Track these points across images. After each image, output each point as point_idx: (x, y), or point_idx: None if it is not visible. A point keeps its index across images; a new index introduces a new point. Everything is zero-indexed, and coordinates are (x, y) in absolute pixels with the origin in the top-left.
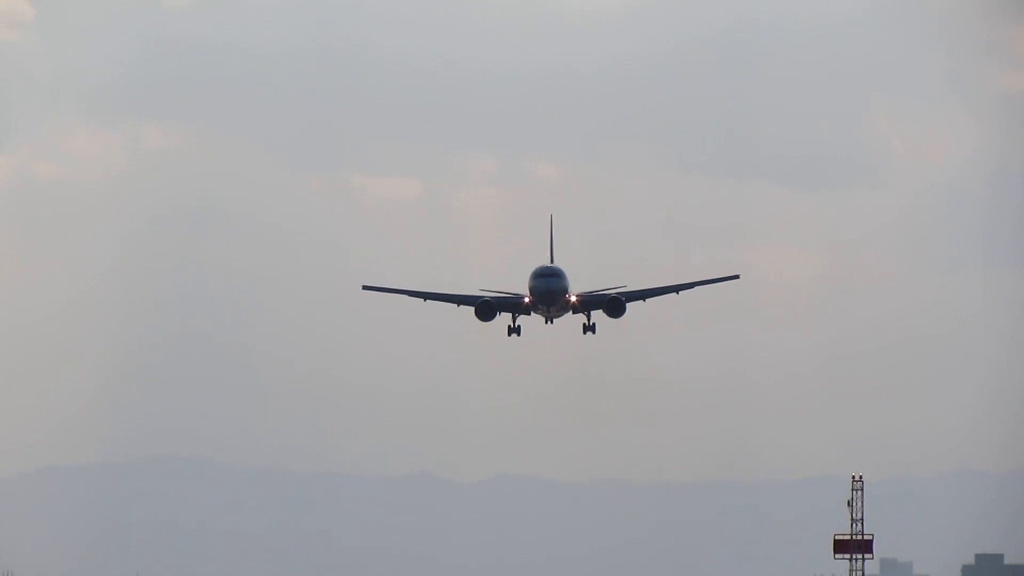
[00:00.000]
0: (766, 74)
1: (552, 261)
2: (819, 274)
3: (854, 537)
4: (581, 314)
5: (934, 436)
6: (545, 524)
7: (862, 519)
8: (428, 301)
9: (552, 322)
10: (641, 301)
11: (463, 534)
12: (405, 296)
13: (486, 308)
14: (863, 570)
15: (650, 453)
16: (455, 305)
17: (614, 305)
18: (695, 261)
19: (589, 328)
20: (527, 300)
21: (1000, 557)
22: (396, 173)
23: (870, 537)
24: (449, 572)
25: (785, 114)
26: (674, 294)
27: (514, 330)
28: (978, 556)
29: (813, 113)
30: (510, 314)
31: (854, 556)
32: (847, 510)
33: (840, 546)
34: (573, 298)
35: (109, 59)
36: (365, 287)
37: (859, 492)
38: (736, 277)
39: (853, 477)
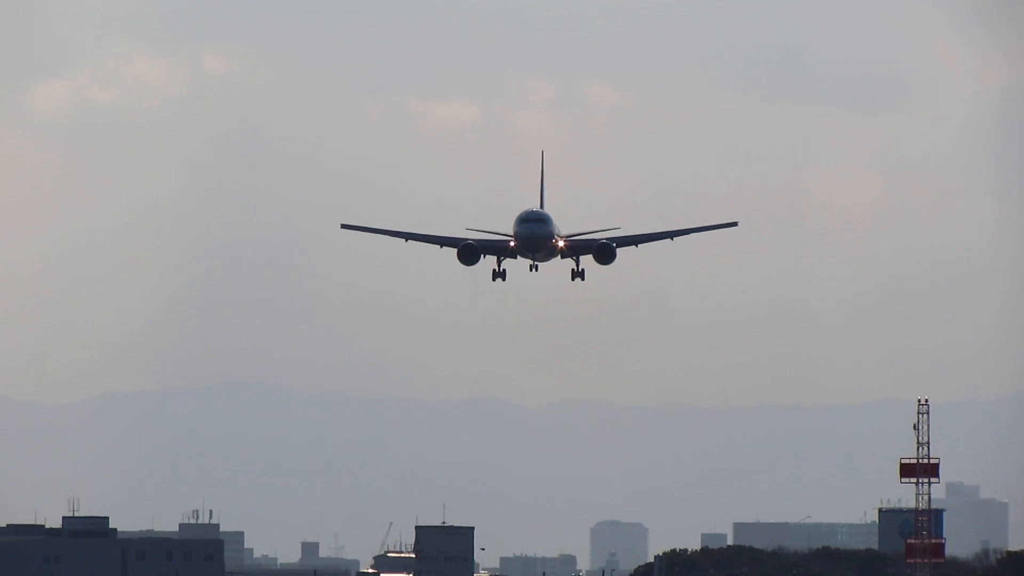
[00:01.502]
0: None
1: (542, 204)
2: (875, 197)
3: (920, 461)
4: (570, 259)
5: (999, 359)
6: (614, 446)
7: (928, 443)
8: (410, 241)
9: (537, 268)
10: (633, 247)
11: (530, 455)
12: (386, 236)
13: (468, 251)
14: (929, 494)
15: (716, 378)
16: (438, 247)
17: (603, 251)
18: (748, 186)
19: (578, 274)
20: (511, 244)
21: None
22: (453, 97)
23: (936, 461)
24: (521, 488)
25: (841, 36)
26: (668, 240)
27: (499, 274)
28: None
29: (870, 36)
30: (495, 257)
31: (920, 480)
32: (913, 434)
33: (906, 470)
34: (560, 243)
35: None
36: (344, 226)
37: (925, 416)
38: (734, 224)
39: (919, 401)
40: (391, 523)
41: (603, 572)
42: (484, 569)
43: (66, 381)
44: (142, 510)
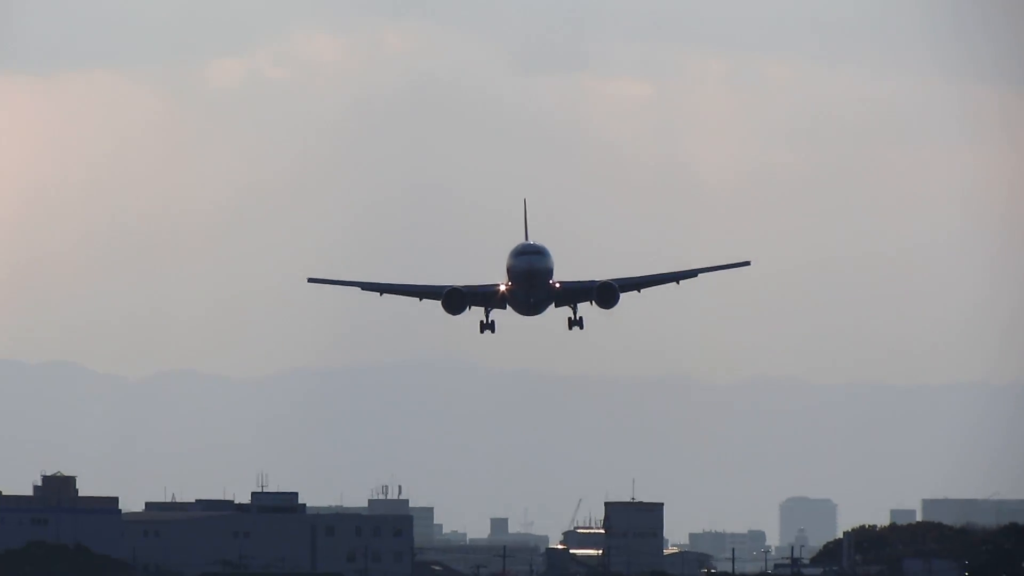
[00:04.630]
0: None
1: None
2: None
3: None
4: (565, 306)
5: None
6: (803, 422)
7: None
8: (384, 295)
9: (530, 316)
10: (636, 292)
11: (720, 431)
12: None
13: (455, 298)
14: None
15: (906, 355)
16: (417, 299)
17: (605, 293)
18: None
19: (576, 323)
20: (503, 288)
21: None
22: (627, 74)
23: None
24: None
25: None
26: (674, 283)
27: (487, 326)
28: None
29: None
30: (482, 308)
31: None
32: None
33: None
34: (557, 284)
35: None
36: (311, 280)
37: None
38: (747, 264)
39: None
40: (580, 499)
41: (792, 548)
42: (674, 545)
43: (256, 356)
44: (331, 486)
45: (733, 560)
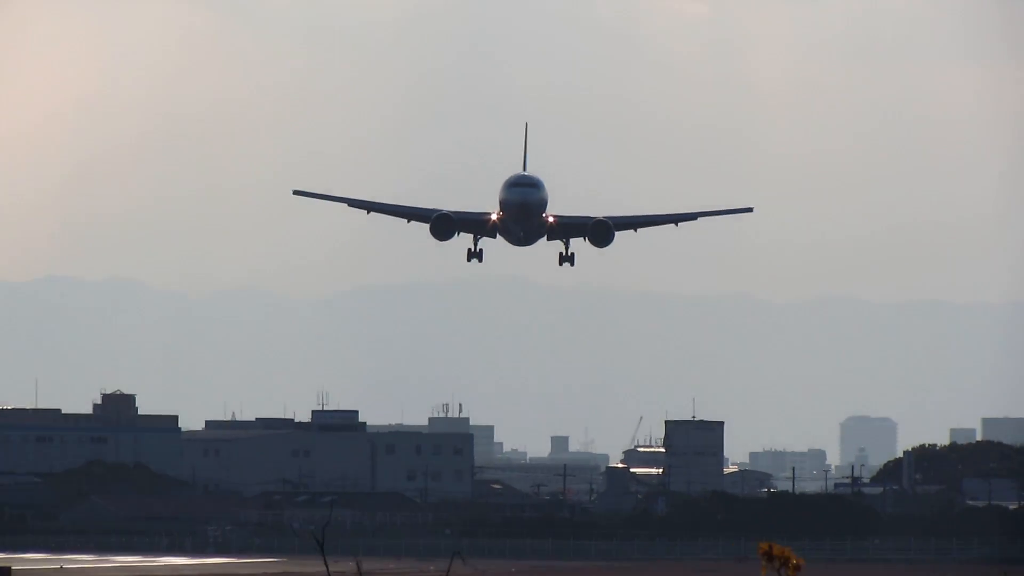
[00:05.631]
0: None
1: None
2: None
3: None
4: (558, 240)
5: None
6: (864, 341)
7: None
8: (371, 213)
9: (521, 246)
10: (633, 231)
11: (780, 350)
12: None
13: (443, 223)
14: None
15: (965, 274)
16: (404, 220)
17: (599, 230)
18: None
19: (567, 258)
20: (495, 217)
21: None
22: None
23: None
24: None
25: None
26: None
27: (475, 254)
28: None
29: None
30: (471, 235)
31: None
32: None
33: None
34: (551, 219)
35: None
36: (296, 192)
37: None
38: (750, 210)
39: None
40: (641, 417)
41: (852, 467)
42: (734, 463)
43: (319, 275)
44: (392, 405)
45: (793, 479)
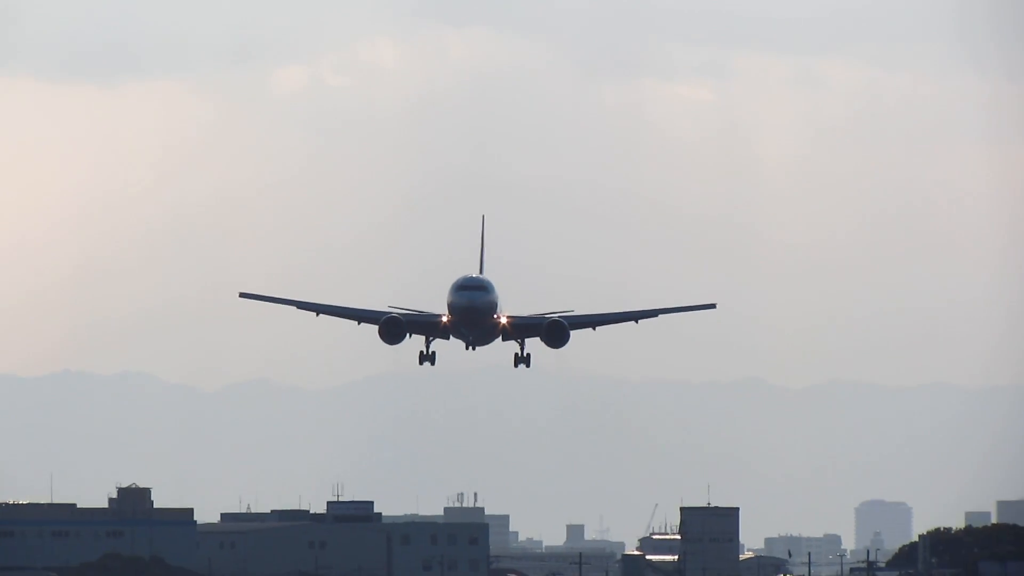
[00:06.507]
0: None
1: (481, 271)
2: None
3: None
4: (512, 341)
5: None
6: (877, 425)
7: None
8: (321, 316)
9: (474, 348)
10: (591, 330)
11: (794, 435)
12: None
13: (392, 326)
14: None
15: (975, 357)
16: (355, 322)
17: (554, 331)
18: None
19: (523, 359)
20: (445, 319)
21: None
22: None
23: None
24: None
25: None
26: (632, 322)
27: (427, 357)
28: None
29: None
30: (423, 337)
31: None
32: None
33: None
34: (503, 320)
35: None
36: (242, 295)
37: None
38: (713, 306)
39: None
40: (656, 505)
41: (868, 551)
42: (749, 550)
43: (329, 365)
44: (407, 494)
45: (809, 564)
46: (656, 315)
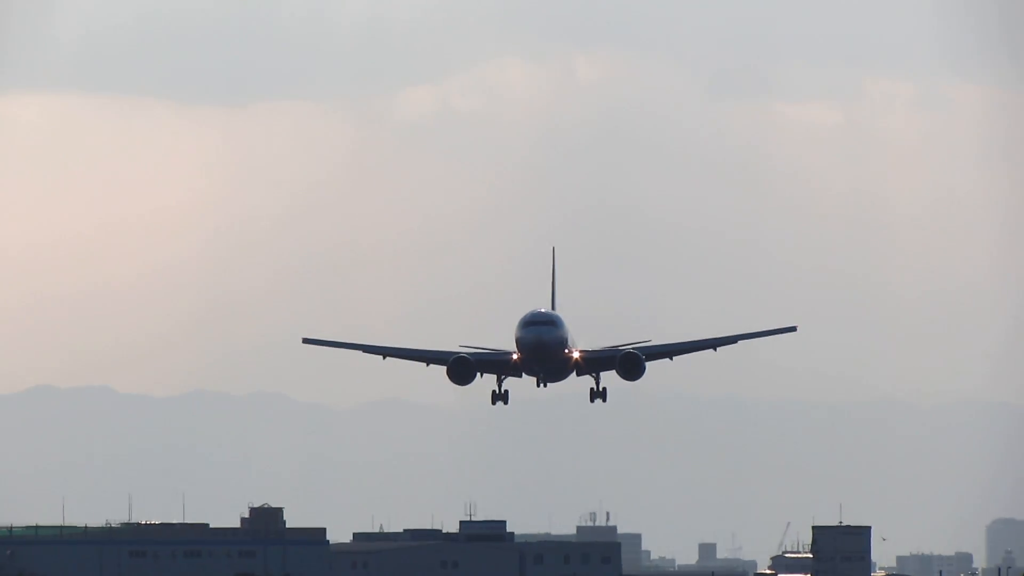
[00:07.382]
0: None
1: (553, 306)
2: None
3: None
4: (588, 375)
5: None
6: (1009, 444)
7: None
8: (387, 359)
9: (546, 385)
10: (668, 360)
11: (926, 453)
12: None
13: (461, 367)
14: None
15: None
16: (424, 364)
17: (628, 363)
18: None
19: (599, 394)
20: (515, 357)
21: None
22: (816, 98)
23: None
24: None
25: None
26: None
27: (499, 396)
28: None
29: None
30: (494, 376)
31: None
32: None
33: None
34: (576, 354)
35: None
36: (305, 340)
37: None
38: (793, 329)
39: None
40: (788, 523)
41: (999, 570)
42: (881, 568)
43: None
44: (539, 513)
45: None
46: (735, 341)
